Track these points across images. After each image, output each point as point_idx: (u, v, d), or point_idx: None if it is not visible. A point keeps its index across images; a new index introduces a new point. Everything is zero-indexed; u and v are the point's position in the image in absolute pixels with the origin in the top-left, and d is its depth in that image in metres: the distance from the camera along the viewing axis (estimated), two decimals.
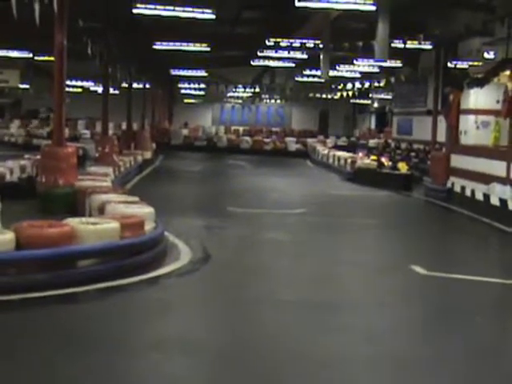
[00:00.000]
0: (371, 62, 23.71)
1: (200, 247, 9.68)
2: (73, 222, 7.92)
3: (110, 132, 26.73)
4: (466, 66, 21.62)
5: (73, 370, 5.09)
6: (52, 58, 12.82)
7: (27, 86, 39.02)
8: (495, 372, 5.45)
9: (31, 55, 25.41)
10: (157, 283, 7.78)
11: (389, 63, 23.63)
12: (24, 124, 41.03)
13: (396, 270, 9.08)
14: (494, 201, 14.08)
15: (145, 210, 9.36)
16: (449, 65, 23.09)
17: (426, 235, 12.67)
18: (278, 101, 46.71)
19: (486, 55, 20.82)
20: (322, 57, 20.64)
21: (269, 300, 7.35)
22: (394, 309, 7.33)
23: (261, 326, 6.44)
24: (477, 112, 20.76)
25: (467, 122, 20.48)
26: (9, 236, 7.19)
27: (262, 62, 26.74)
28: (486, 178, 14.84)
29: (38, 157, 14.56)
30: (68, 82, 32.28)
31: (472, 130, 20.77)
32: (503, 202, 13.68)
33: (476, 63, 20.85)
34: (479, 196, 14.93)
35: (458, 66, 22.66)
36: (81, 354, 5.43)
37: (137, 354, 5.51)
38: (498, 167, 14.64)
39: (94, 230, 7.88)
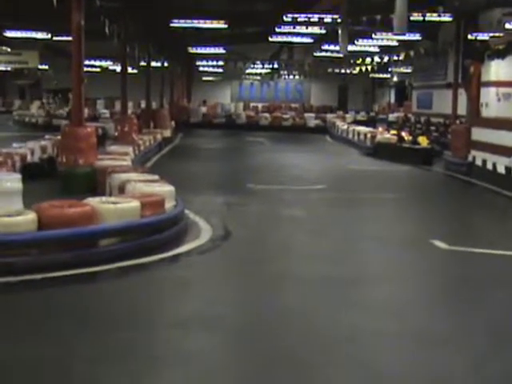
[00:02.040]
0: (390, 35, 23.41)
1: (220, 224, 9.71)
2: (93, 202, 7.97)
3: (129, 111, 26.81)
4: (487, 38, 21.30)
5: (94, 348, 5.16)
6: (70, 39, 12.82)
7: (46, 67, 39.19)
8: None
9: (49, 36, 25.43)
10: (178, 261, 7.82)
11: (408, 36, 23.33)
12: (44, 104, 41.23)
13: (417, 245, 9.05)
14: None
15: (165, 189, 9.39)
16: (469, 37, 22.74)
17: (447, 209, 12.61)
18: (297, 77, 46.47)
19: (507, 26, 20.49)
20: (340, 31, 20.43)
21: (290, 276, 7.37)
22: (415, 284, 7.32)
23: (282, 303, 6.45)
24: (498, 84, 20.43)
25: (488, 95, 20.19)
26: (31, 216, 7.26)
27: (279, 38, 26.54)
28: (508, 151, 14.69)
29: (59, 137, 14.65)
30: (86, 62, 32.38)
31: (493, 103, 20.47)
32: None
33: (497, 34, 20.53)
34: (501, 169, 14.79)
35: (478, 38, 22.30)
36: (102, 332, 5.49)
37: (158, 332, 5.55)
38: None
39: (114, 209, 7.93)
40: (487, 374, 4.87)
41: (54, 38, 25.83)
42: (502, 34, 19.94)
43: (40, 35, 25.20)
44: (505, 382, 4.78)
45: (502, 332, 5.76)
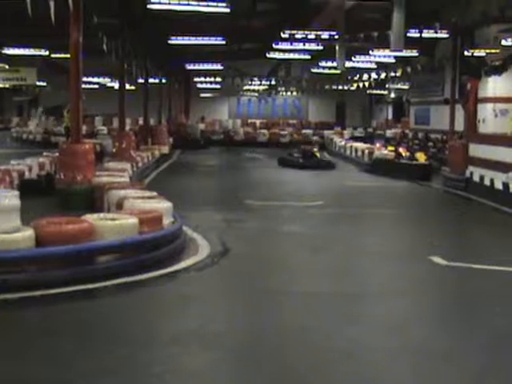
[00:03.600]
0: (387, 52, 23.52)
1: (218, 241, 9.69)
2: (91, 218, 7.96)
3: (127, 127, 26.84)
4: (484, 54, 21.44)
5: (93, 365, 5.12)
6: (68, 56, 12.85)
7: (44, 84, 39.24)
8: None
9: (47, 53, 25.52)
10: (176, 277, 7.79)
11: (405, 53, 23.41)
12: (42, 121, 41.24)
13: (416, 261, 9.03)
14: None
15: (163, 205, 9.38)
16: (466, 53, 22.85)
17: (445, 225, 12.60)
18: (295, 93, 46.56)
19: (503, 42, 20.61)
20: (337, 48, 20.55)
21: (289, 292, 7.34)
22: (414, 299, 7.30)
23: (281, 319, 6.43)
24: (495, 100, 20.62)
25: (485, 111, 20.35)
26: (28, 233, 7.25)
27: (277, 55, 26.67)
28: (505, 167, 14.72)
29: (56, 154, 14.64)
30: (84, 79, 32.42)
31: (490, 119, 20.64)
32: None
33: (493, 50, 20.66)
34: (498, 185, 14.81)
35: (475, 54, 22.43)
36: (101, 349, 5.46)
37: (157, 349, 5.51)
38: None
39: (112, 225, 7.92)
40: None
41: (53, 55, 25.93)
42: (498, 51, 20.07)
43: (38, 52, 25.28)
44: None
45: (502, 348, 5.73)
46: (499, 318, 6.63)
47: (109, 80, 37.34)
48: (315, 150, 24.93)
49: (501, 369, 5.23)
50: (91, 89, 36.36)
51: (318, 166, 23.07)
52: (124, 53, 19.45)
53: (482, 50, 21.92)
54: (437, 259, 8.90)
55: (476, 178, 16.34)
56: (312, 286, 7.64)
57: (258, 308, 6.82)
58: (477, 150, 17.02)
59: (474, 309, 6.93)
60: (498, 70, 16.29)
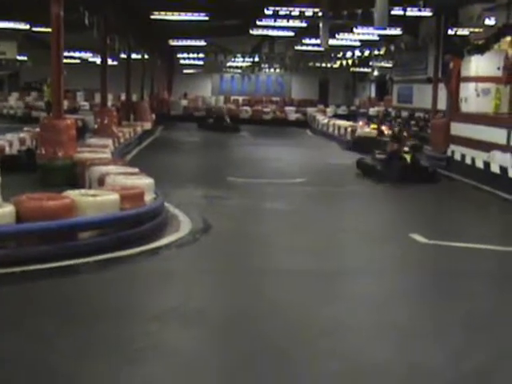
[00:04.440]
0: (371, 29, 23.49)
1: (200, 218, 9.70)
2: (72, 194, 7.93)
3: (109, 103, 26.66)
4: (467, 33, 21.47)
5: (72, 342, 5.13)
6: (49, 30, 12.71)
7: (25, 58, 38.80)
8: (492, 341, 5.49)
9: (28, 26, 25.18)
10: (157, 254, 7.80)
11: (388, 31, 23.43)
12: (22, 96, 40.86)
13: (396, 239, 9.11)
14: (495, 168, 14.06)
15: (144, 181, 9.37)
16: (449, 32, 22.90)
17: (426, 203, 12.68)
18: (278, 70, 46.42)
19: (486, 21, 20.64)
20: (321, 25, 20.48)
21: (270, 269, 7.38)
22: (394, 277, 7.36)
23: (262, 296, 6.47)
24: (477, 79, 20.61)
25: (468, 90, 20.36)
26: (9, 209, 7.21)
27: (260, 31, 26.52)
28: (487, 146, 14.81)
29: (37, 129, 14.55)
30: (66, 54, 32.08)
31: (473, 98, 20.65)
32: (503, 169, 13.66)
33: (477, 30, 20.69)
34: (479, 164, 14.90)
35: (458, 33, 22.47)
36: (82, 325, 5.47)
37: (138, 325, 5.53)
38: (498, 135, 14.60)
39: (93, 201, 7.89)
40: (464, 364, 4.92)
41: (34, 29, 25.60)
42: (481, 30, 20.10)
43: (19, 26, 24.94)
44: (479, 370, 4.83)
45: (479, 324, 5.81)
46: (477, 295, 6.72)
47: (91, 55, 36.96)
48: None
49: (479, 346, 5.30)
50: (73, 63, 36.00)
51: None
52: (106, 28, 19.26)
53: (466, 29, 21.95)
54: (417, 237, 8.96)
55: (457, 157, 16.44)
56: (293, 263, 7.68)
57: (238, 285, 6.84)
58: (458, 129, 17.09)
59: (453, 286, 7.00)
60: (481, 50, 16.28)
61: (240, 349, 5.12)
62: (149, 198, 9.00)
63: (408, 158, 14.56)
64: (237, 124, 31.21)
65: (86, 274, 6.98)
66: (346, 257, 8.28)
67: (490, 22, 20.46)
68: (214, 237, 8.83)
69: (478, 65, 20.18)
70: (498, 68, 18.96)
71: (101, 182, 9.62)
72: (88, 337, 5.22)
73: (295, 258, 7.93)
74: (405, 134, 17.82)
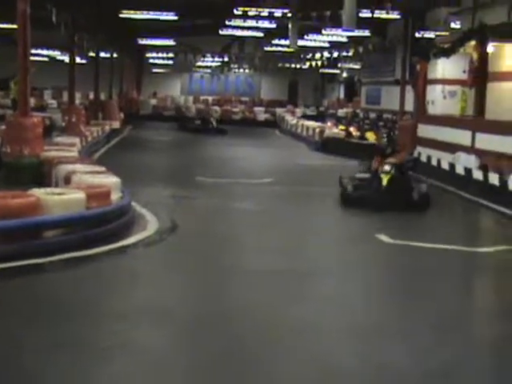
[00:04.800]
0: (339, 31, 23.67)
1: (167, 217, 9.69)
2: (38, 193, 7.88)
3: (78, 102, 26.46)
4: (433, 36, 21.70)
5: (40, 341, 5.11)
6: (15, 26, 12.59)
7: None
8: (457, 336, 5.59)
9: None
10: (124, 253, 7.79)
11: (357, 33, 23.62)
12: None
13: (362, 239, 9.21)
14: (459, 170, 14.26)
15: (111, 180, 9.35)
16: (416, 35, 23.13)
17: None
18: (247, 70, 46.46)
19: (452, 25, 20.90)
20: (290, 26, 20.59)
21: (237, 269, 7.41)
22: (360, 276, 7.44)
23: (229, 296, 6.50)
24: (444, 82, 20.86)
25: (435, 92, 20.59)
26: None
27: (230, 31, 26.57)
28: (452, 148, 15.01)
29: (3, 127, 14.39)
30: (34, 51, 31.69)
31: (439, 100, 20.88)
32: (468, 170, 13.86)
33: (443, 33, 20.93)
34: (445, 165, 15.10)
35: (425, 36, 22.72)
36: (48, 325, 5.44)
37: (105, 324, 5.53)
38: (463, 136, 14.81)
39: (59, 200, 7.86)
40: (431, 362, 5.00)
41: (0, 26, 25.31)
42: (447, 33, 20.33)
43: None
44: (445, 368, 4.90)
45: (442, 321, 5.91)
46: (438, 292, 6.83)
47: (59, 53, 36.63)
48: None
49: (441, 343, 5.38)
50: (41, 61, 35.64)
51: None
52: (74, 26, 19.13)
53: (432, 32, 22.20)
54: (383, 237, 9.06)
55: (424, 158, 16.63)
56: (261, 263, 7.71)
57: (206, 284, 6.86)
58: (425, 131, 17.29)
59: (417, 285, 7.11)
60: (447, 53, 16.46)
61: (207, 348, 5.13)
62: (115, 196, 8.98)
63: (385, 179, 11.46)
64: (223, 127, 29.75)
65: (52, 272, 6.95)
66: (313, 257, 8.33)
67: (455, 25, 20.72)
68: (181, 236, 8.84)
69: (445, 67, 20.42)
70: (464, 71, 19.20)
71: (67, 180, 9.58)
72: (55, 336, 5.21)
73: (263, 258, 7.95)
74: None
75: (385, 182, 11.38)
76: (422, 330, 5.68)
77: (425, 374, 4.80)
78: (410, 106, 21.70)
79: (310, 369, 4.81)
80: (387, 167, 11.66)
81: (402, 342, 5.39)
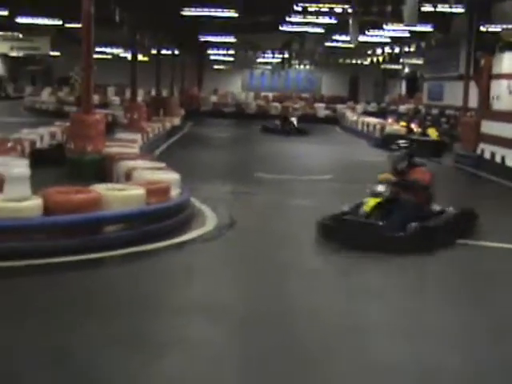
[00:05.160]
0: (401, 26, 23.34)
1: (226, 213, 9.72)
2: (99, 188, 8.02)
3: (140, 99, 26.85)
4: (499, 30, 21.21)
5: (98, 334, 5.19)
6: (81, 25, 12.84)
7: (58, 54, 39.24)
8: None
9: (61, 22, 25.50)
10: (182, 248, 7.85)
11: (419, 27, 23.25)
12: (55, 91, 41.32)
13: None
14: None
15: (171, 176, 9.43)
16: (481, 28, 22.63)
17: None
18: (308, 66, 46.35)
19: None
20: (350, 22, 20.42)
21: (295, 267, 7.37)
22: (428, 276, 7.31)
23: (287, 292, 6.47)
24: (510, 77, 20.35)
25: (500, 87, 20.09)
26: (37, 202, 7.31)
27: (290, 28, 26.52)
28: None
29: (68, 124, 14.71)
30: (98, 49, 32.37)
31: (505, 96, 20.35)
32: None
33: (510, 26, 20.43)
34: (509, 162, 14.74)
35: (490, 30, 22.21)
36: (106, 318, 5.52)
37: (162, 319, 5.57)
38: None
39: (120, 195, 7.98)
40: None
41: (66, 25, 25.90)
42: None
43: (52, 22, 25.27)
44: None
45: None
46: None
47: (122, 51, 37.25)
48: None
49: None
50: (104, 59, 36.34)
51: None
52: (136, 23, 19.40)
53: (498, 26, 21.69)
54: None
55: (487, 155, 16.28)
56: (319, 261, 7.68)
57: (263, 281, 6.85)
58: (489, 127, 16.91)
59: (483, 288, 6.96)
60: None
61: (263, 345, 5.12)
62: (175, 192, 9.06)
63: (369, 204, 8.41)
64: (305, 127, 26.94)
65: (111, 267, 7.07)
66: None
67: None
68: (239, 232, 8.85)
69: (511, 62, 19.92)
70: None
71: (128, 176, 9.71)
72: (111, 329, 5.28)
73: (321, 256, 7.90)
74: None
75: (366, 207, 8.36)
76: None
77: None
78: (473, 102, 21.26)
79: (361, 369, 4.77)
80: (380, 187, 8.55)
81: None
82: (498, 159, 15.49)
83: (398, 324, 5.71)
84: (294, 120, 26.94)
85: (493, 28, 22.23)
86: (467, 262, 7.99)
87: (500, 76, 19.91)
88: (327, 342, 5.22)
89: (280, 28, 26.76)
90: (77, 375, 4.51)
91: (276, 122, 27.39)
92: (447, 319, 5.84)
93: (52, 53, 35.22)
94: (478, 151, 16.90)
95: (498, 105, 19.65)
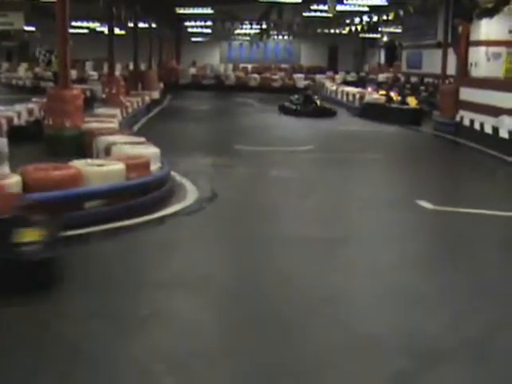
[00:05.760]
0: None
1: (207, 186, 9.73)
2: (78, 164, 7.98)
3: (118, 73, 26.60)
4: None
5: (80, 308, 5.22)
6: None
7: (33, 29, 38.67)
8: (497, 309, 5.53)
9: None
10: (163, 223, 7.85)
11: None
12: (31, 67, 40.80)
13: (403, 205, 9.11)
14: (503, 133, 13.99)
15: (150, 151, 9.40)
16: None
17: (434, 169, 12.66)
18: (286, 37, 46.06)
19: None
20: None
21: (276, 237, 7.41)
22: (400, 243, 7.39)
23: (268, 263, 6.52)
24: (488, 43, 20.38)
25: (478, 54, 20.14)
26: (15, 179, 7.25)
27: None
28: (495, 111, 14.71)
29: (45, 100, 14.56)
30: (74, 23, 31.94)
31: (483, 62, 20.43)
32: None
33: None
34: (488, 129, 14.83)
35: None
36: (88, 293, 5.54)
37: (144, 293, 5.61)
38: (507, 99, 14.49)
39: (99, 171, 7.95)
40: (465, 330, 4.97)
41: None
42: None
43: None
44: (480, 337, 4.88)
45: (483, 293, 5.82)
46: (483, 260, 6.74)
47: (98, 25, 36.78)
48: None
49: (477, 314, 5.32)
50: (82, 34, 35.90)
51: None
52: None
53: None
54: (424, 203, 8.97)
55: (466, 123, 16.35)
56: (298, 231, 7.71)
57: (243, 253, 6.90)
58: (467, 94, 16.97)
59: (460, 253, 7.04)
60: (490, 13, 16.07)
61: (245, 315, 5.18)
62: (155, 167, 9.03)
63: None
64: (330, 108, 22.97)
65: (92, 243, 7.04)
66: (352, 224, 8.29)
67: None
68: (220, 205, 8.87)
69: (489, 28, 19.93)
70: (510, 31, 18.75)
71: (107, 151, 9.67)
72: (93, 304, 5.30)
73: (300, 226, 7.96)
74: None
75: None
76: (455, 300, 5.63)
77: (458, 340, 4.79)
78: (452, 69, 21.28)
79: (340, 335, 4.84)
80: None
81: (436, 310, 5.37)
82: (476, 126, 15.57)
83: None
84: (317, 99, 22.97)
85: None
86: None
87: (478, 43, 19.95)
88: (303, 314, 5.26)
89: None
90: (58, 345, 4.58)
91: (292, 99, 23.10)
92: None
93: (27, 28, 34.67)
94: (457, 118, 16.97)
95: (476, 72, 19.72)
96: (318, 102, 22.56)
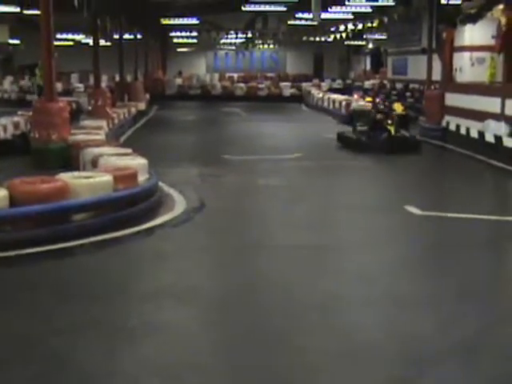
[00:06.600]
0: (363, 1, 23.34)
1: (195, 196, 9.70)
2: (65, 177, 7.94)
3: (104, 84, 26.56)
4: (459, 2, 21.28)
5: (70, 320, 5.17)
6: (39, 12, 12.61)
7: (18, 42, 38.59)
8: (486, 310, 5.54)
9: (19, 9, 25.01)
10: (152, 234, 7.81)
11: (381, 2, 23.28)
12: (17, 80, 40.66)
13: (391, 211, 9.13)
14: (489, 138, 14.06)
15: (138, 162, 9.38)
16: (442, 1, 22.67)
17: (421, 175, 12.70)
18: (272, 46, 46.22)
19: None
20: None
21: (265, 245, 7.42)
22: (389, 249, 7.39)
23: (257, 272, 6.50)
24: (472, 49, 20.51)
25: (462, 60, 20.28)
26: (2, 193, 7.22)
27: (253, 8, 26.39)
28: (481, 116, 14.79)
29: (31, 113, 14.51)
30: (59, 36, 31.88)
31: (467, 68, 20.56)
32: (498, 138, 13.66)
33: None
34: (474, 134, 14.90)
35: (451, 3, 22.26)
36: (78, 304, 5.51)
37: (132, 305, 5.58)
38: (492, 104, 14.58)
39: (87, 183, 7.91)
40: (454, 333, 4.97)
41: (25, 12, 25.41)
42: None
43: (9, 9, 24.77)
44: (468, 340, 4.88)
45: (470, 297, 5.83)
46: (471, 265, 6.76)
47: (83, 37, 36.75)
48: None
49: (466, 317, 5.33)
50: (67, 45, 35.85)
51: None
52: (96, 8, 19.12)
53: None
54: (412, 209, 8.98)
55: (452, 127, 16.42)
56: (288, 239, 7.71)
57: (233, 263, 6.88)
58: (453, 100, 17.05)
59: (448, 257, 7.05)
60: (473, 18, 16.20)
61: (235, 325, 5.15)
62: (142, 178, 9.01)
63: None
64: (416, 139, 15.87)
65: (80, 255, 7.00)
66: (341, 232, 8.30)
67: None
68: (208, 215, 8.85)
69: (473, 34, 20.06)
70: (493, 36, 18.86)
71: (94, 163, 9.63)
72: (83, 315, 5.27)
73: (290, 234, 7.95)
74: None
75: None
76: (445, 304, 5.63)
77: (447, 343, 4.78)
78: (437, 75, 21.39)
79: (333, 341, 4.82)
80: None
81: (426, 313, 5.37)
82: (463, 131, 15.64)
83: None
84: (389, 125, 15.15)
85: (453, 1, 22.29)
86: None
87: (462, 48, 20.09)
88: (294, 321, 5.25)
89: (242, 8, 26.59)
90: (47, 360, 4.53)
91: (360, 128, 16.21)
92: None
93: (11, 41, 34.63)
94: (443, 124, 17.04)
95: (461, 77, 19.84)
96: (393, 130, 15.12)
